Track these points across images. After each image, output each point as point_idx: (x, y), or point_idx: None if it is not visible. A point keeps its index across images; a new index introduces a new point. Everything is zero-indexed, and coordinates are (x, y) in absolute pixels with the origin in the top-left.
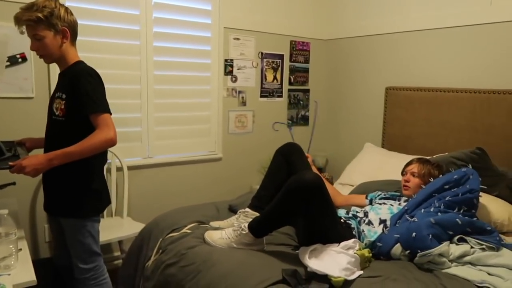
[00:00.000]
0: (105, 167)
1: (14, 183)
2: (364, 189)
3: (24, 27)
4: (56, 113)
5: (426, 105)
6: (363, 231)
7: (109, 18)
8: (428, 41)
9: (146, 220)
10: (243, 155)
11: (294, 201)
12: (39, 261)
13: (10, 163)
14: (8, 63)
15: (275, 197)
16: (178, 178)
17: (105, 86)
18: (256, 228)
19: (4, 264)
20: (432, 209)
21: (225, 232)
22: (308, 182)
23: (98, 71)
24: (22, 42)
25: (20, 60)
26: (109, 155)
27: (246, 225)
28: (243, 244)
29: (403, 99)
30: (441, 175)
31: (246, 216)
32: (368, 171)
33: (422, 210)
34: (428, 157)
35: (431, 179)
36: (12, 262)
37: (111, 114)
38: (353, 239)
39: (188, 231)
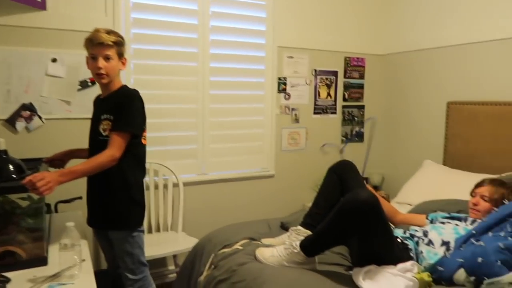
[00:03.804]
0: (162, 183)
1: (80, 198)
2: (424, 208)
3: (97, 48)
4: (104, 134)
5: (492, 120)
6: (421, 252)
7: (169, 43)
8: (493, 52)
9: (200, 235)
10: (296, 172)
11: (347, 221)
12: (100, 272)
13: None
14: (79, 87)
15: (328, 216)
16: (231, 194)
17: (164, 106)
18: (308, 247)
19: (69, 273)
20: (502, 234)
21: (277, 250)
22: (363, 201)
23: (159, 91)
24: None
25: (90, 84)
26: (165, 171)
27: (298, 243)
28: (295, 263)
29: (467, 114)
30: None
31: (298, 234)
32: (428, 189)
33: (490, 234)
34: (496, 176)
35: (506, 202)
36: (76, 272)
37: (136, 135)
38: (411, 262)
39: (240, 247)
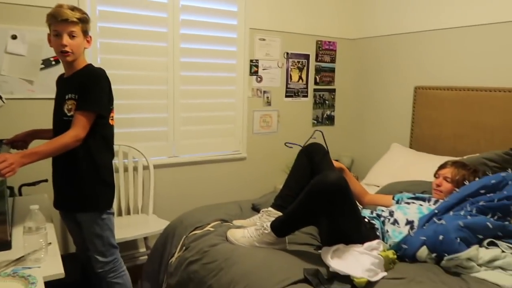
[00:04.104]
0: (132, 166)
1: (46, 180)
2: (390, 189)
3: (61, 25)
4: (68, 114)
5: (456, 105)
6: (387, 231)
7: (138, 21)
8: (459, 39)
9: (171, 218)
10: (268, 155)
11: (317, 202)
12: (68, 256)
13: None
14: (42, 66)
15: (298, 197)
16: (202, 177)
17: (133, 86)
18: (279, 228)
19: (34, 257)
20: (462, 213)
21: (248, 231)
22: (331, 183)
23: (127, 72)
24: None
25: (53, 63)
26: (135, 153)
27: (269, 224)
28: (265, 243)
29: (433, 98)
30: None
31: (269, 216)
32: (394, 171)
33: (451, 213)
34: (458, 158)
35: (466, 183)
36: (42, 256)
37: (102, 115)
38: (377, 240)
39: (211, 229)
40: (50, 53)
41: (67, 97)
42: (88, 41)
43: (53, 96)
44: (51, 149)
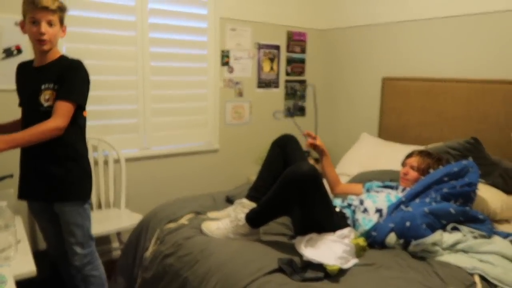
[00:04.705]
0: (102, 159)
1: (11, 176)
2: (361, 178)
3: (40, 13)
4: (45, 105)
5: (422, 95)
6: (357, 219)
7: (105, 9)
8: (425, 31)
9: (144, 211)
10: (240, 146)
11: (290, 192)
12: (37, 253)
13: None
14: (3, 56)
15: (272, 188)
16: (175, 169)
17: (101, 77)
18: (253, 219)
19: (4, 255)
20: (427, 200)
21: (222, 223)
22: (304, 173)
23: (94, 62)
24: (16, 34)
25: (15, 52)
26: (106, 146)
27: (243, 216)
28: (240, 235)
29: (400, 89)
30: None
31: (243, 207)
32: (364, 161)
33: (417, 200)
34: (423, 147)
35: (431, 171)
36: (12, 254)
37: (82, 106)
38: (348, 228)
39: (186, 222)
40: (12, 42)
41: (43, 87)
42: (63, 30)
43: (15, 87)
44: (30, 137)
